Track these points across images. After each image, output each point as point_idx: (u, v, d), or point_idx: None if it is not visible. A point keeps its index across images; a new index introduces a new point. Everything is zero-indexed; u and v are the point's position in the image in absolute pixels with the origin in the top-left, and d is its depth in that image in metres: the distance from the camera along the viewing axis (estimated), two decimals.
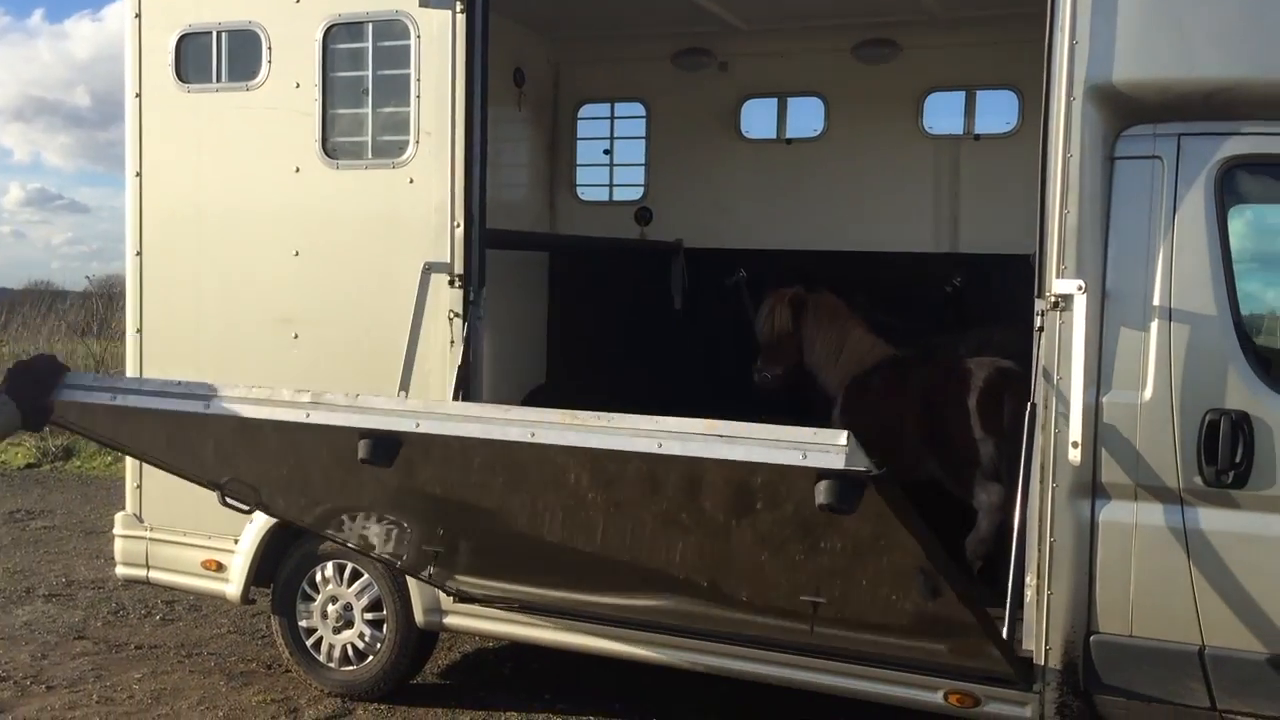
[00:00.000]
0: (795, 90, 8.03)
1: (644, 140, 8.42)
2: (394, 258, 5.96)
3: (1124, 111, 4.72)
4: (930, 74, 7.60)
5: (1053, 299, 4.73)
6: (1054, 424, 4.76)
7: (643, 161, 8.45)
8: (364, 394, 4.00)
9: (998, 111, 7.50)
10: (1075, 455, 4.58)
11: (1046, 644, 4.81)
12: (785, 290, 7.03)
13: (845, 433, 3.42)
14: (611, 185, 8.63)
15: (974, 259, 7.50)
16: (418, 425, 3.87)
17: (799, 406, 7.22)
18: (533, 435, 3.76)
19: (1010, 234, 7.32)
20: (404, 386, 5.60)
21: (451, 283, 5.77)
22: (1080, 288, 4.61)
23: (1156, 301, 4.66)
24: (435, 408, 3.98)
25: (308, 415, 3.99)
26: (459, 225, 5.76)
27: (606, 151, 8.61)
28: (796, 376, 6.98)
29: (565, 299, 8.50)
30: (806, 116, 7.97)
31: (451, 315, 5.80)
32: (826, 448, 3.40)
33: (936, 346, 6.81)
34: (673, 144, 8.29)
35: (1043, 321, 4.78)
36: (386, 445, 4.02)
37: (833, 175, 7.86)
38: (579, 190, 8.66)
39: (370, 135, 6.11)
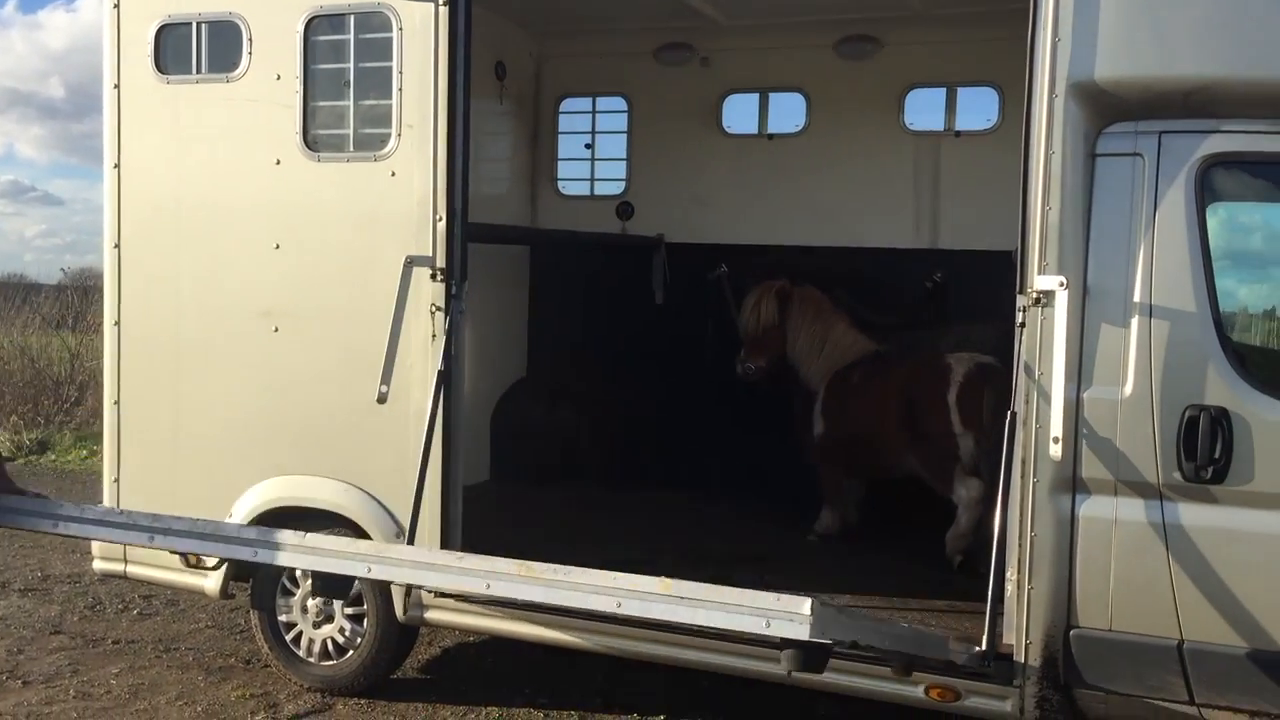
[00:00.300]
0: (777, 85, 8.05)
1: (625, 134, 8.42)
2: (375, 251, 5.93)
3: (1106, 109, 4.74)
4: (911, 70, 7.63)
5: (1034, 295, 4.75)
6: (1035, 419, 4.78)
7: (624, 156, 8.45)
8: (313, 534, 3.86)
9: (978, 108, 7.54)
10: (1056, 450, 4.60)
11: (1027, 638, 4.83)
12: (772, 283, 7.06)
13: (809, 601, 3.35)
14: (593, 179, 8.63)
15: (954, 255, 7.54)
16: (369, 570, 3.79)
17: (780, 399, 7.26)
18: (488, 587, 3.71)
19: (990, 230, 7.36)
20: (385, 380, 5.58)
21: (434, 276, 5.75)
22: (1062, 284, 4.63)
23: (1137, 298, 4.68)
24: (387, 552, 3.89)
25: (255, 554, 3.90)
26: (441, 219, 5.74)
27: (588, 146, 8.61)
28: (779, 369, 7.00)
29: (546, 293, 8.51)
30: (788, 112, 8.00)
31: (433, 309, 5.78)
32: (790, 616, 3.33)
33: (917, 342, 6.84)
34: (654, 138, 8.29)
35: (1024, 317, 4.80)
36: (338, 582, 3.95)
37: (814, 171, 7.89)
38: (560, 184, 8.66)
39: (352, 128, 6.06)
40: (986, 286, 7.29)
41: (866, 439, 6.56)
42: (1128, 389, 4.67)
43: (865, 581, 5.91)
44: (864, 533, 6.92)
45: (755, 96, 8.12)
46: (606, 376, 8.27)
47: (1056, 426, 4.59)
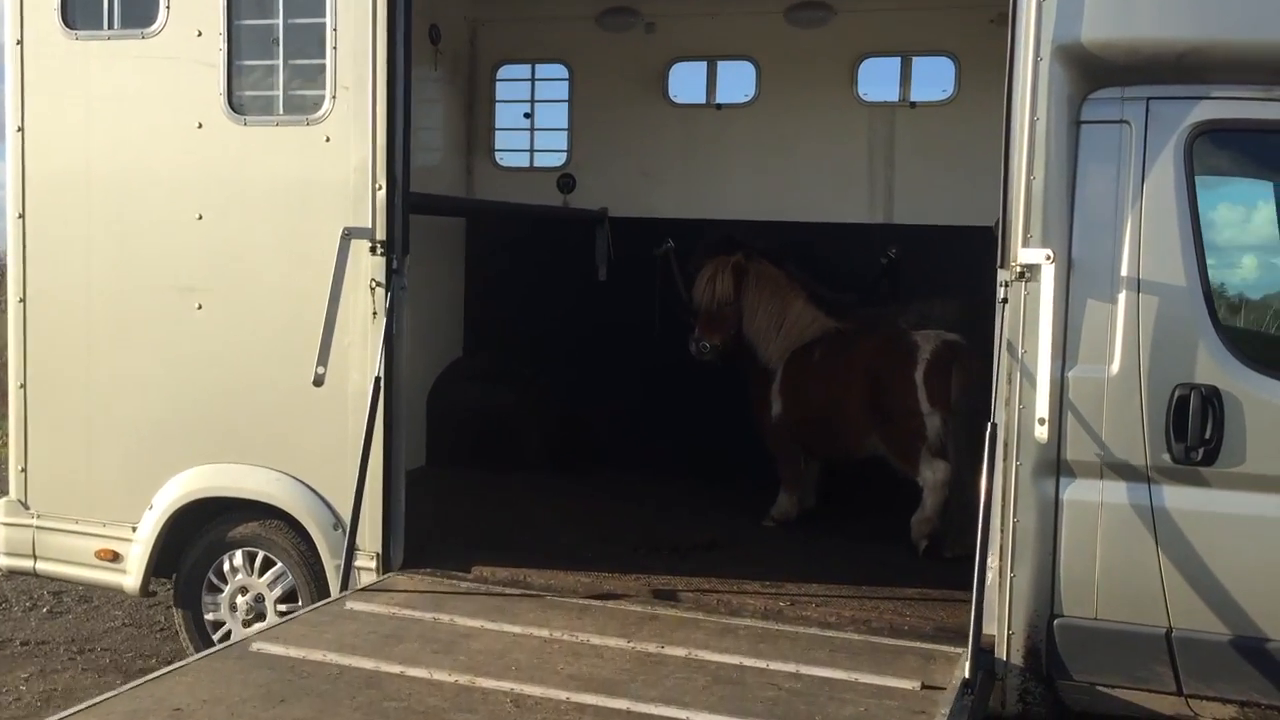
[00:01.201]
0: (725, 54, 7.76)
1: (566, 104, 8.07)
2: (308, 222, 5.53)
3: (1091, 73, 4.51)
4: (865, 39, 7.39)
5: (1018, 269, 4.51)
6: (1018, 399, 4.56)
7: (565, 126, 8.10)
8: None
9: (934, 79, 7.32)
10: (1042, 432, 4.37)
11: (1009, 629, 4.62)
12: (727, 257, 6.76)
13: None
14: (532, 151, 8.28)
15: (910, 230, 7.32)
16: None
17: (731, 380, 6.99)
18: None
19: (947, 205, 7.21)
20: (321, 361, 5.18)
21: (373, 249, 5.37)
22: (1048, 257, 4.40)
23: (1124, 272, 4.48)
24: None
25: None
26: (381, 187, 5.35)
27: (527, 115, 8.25)
28: (733, 348, 6.71)
29: (484, 270, 8.14)
30: (737, 81, 7.71)
31: (373, 284, 5.40)
32: None
33: (876, 319, 6.61)
34: (597, 108, 7.95)
35: (1006, 293, 4.57)
36: None
37: (764, 143, 7.62)
38: (497, 155, 8.29)
39: (281, 89, 5.63)
40: (944, 262, 7.14)
41: (828, 419, 6.31)
42: (1114, 368, 4.48)
43: (828, 570, 5.66)
44: (822, 517, 6.67)
45: (703, 65, 7.81)
46: (547, 357, 7.94)
47: (1042, 407, 4.37)
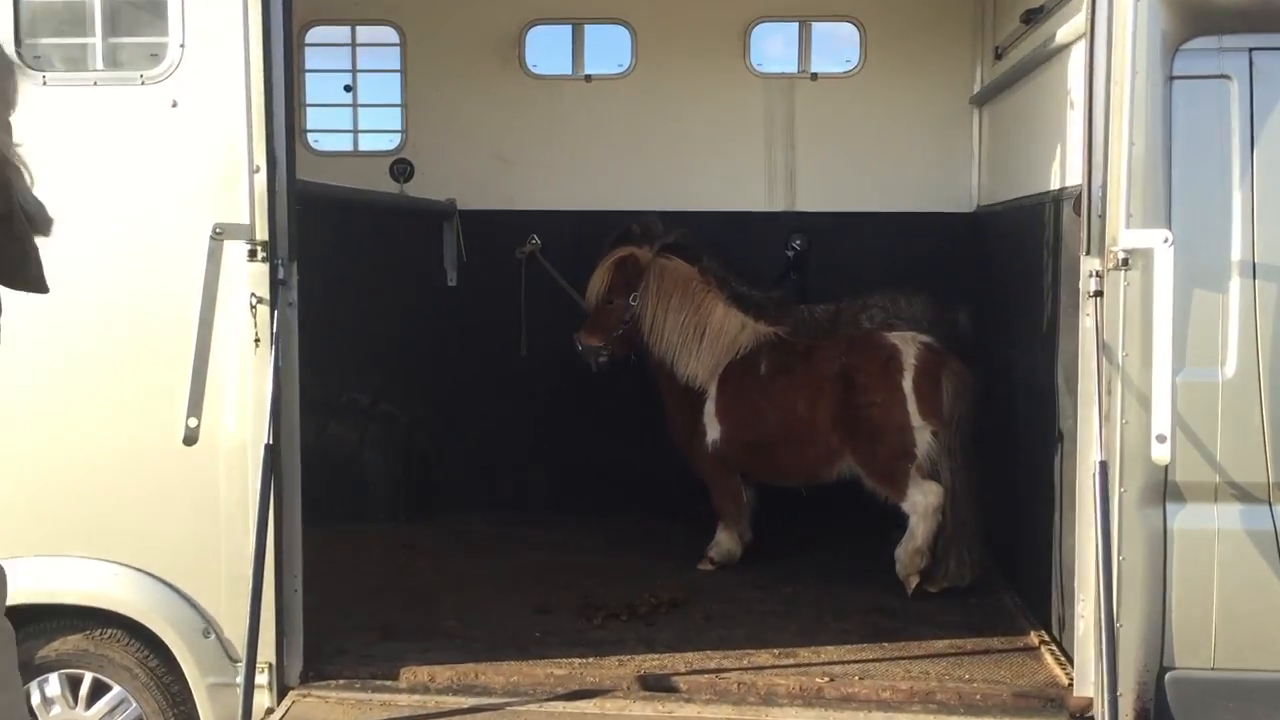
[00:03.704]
0: (594, 16, 6.69)
1: (399, 74, 6.74)
2: (147, 218, 4.07)
3: (1190, 17, 3.80)
4: (758, 1, 6.48)
5: (1120, 255, 3.72)
6: (1120, 414, 3.78)
7: (398, 102, 6.76)
8: None
9: (836, 48, 6.55)
10: (1163, 452, 3.61)
11: (1119, 689, 3.83)
12: (617, 251, 5.72)
13: None
14: (356, 131, 6.89)
15: (816, 218, 6.50)
16: None
17: (612, 398, 5.98)
18: None
19: (856, 188, 6.47)
20: (194, 411, 3.75)
21: (253, 254, 3.96)
22: (1166, 240, 3.64)
23: (1236, 256, 3.81)
24: None
25: None
26: (259, 169, 3.94)
27: (348, 88, 6.88)
28: (630, 349, 5.69)
29: (302, 276, 6.64)
30: (609, 49, 6.66)
31: (254, 301, 3.99)
32: None
33: (828, 319, 5.75)
34: (438, 80, 6.71)
35: (1101, 284, 3.79)
36: None
37: (643, 121, 6.66)
38: (310, 138, 6.83)
39: (99, 35, 4.09)
40: (855, 252, 6.41)
41: (788, 441, 5.34)
42: (1229, 370, 3.80)
43: (825, 626, 4.73)
44: (761, 555, 5.70)
45: (567, 29, 6.71)
46: (388, 382, 6.58)
47: (1162, 422, 3.61)
